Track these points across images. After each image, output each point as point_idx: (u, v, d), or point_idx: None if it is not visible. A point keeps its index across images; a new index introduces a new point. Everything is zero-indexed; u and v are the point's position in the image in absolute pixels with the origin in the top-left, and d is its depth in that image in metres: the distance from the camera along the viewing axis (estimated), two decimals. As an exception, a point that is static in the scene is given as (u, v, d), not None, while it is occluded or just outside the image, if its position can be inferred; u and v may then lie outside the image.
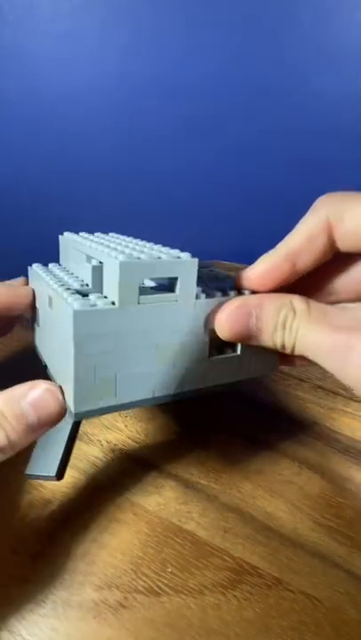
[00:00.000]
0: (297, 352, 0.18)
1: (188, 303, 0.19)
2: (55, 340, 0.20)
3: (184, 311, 0.19)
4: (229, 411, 0.30)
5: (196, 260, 0.19)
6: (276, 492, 0.24)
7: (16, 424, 0.16)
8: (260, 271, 0.20)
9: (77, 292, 0.19)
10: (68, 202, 0.96)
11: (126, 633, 0.17)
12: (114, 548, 0.20)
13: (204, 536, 0.21)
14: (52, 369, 0.22)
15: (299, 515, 0.23)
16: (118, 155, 0.88)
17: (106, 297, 0.18)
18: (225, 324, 0.19)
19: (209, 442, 0.27)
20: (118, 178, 0.92)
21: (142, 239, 0.24)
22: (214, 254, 0.71)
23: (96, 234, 0.25)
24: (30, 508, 0.22)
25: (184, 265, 0.19)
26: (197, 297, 0.19)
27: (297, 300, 0.19)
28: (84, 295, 0.19)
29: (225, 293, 0.20)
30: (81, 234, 0.25)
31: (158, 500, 0.23)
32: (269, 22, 0.74)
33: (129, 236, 0.25)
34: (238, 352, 0.21)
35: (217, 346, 0.21)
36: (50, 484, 0.23)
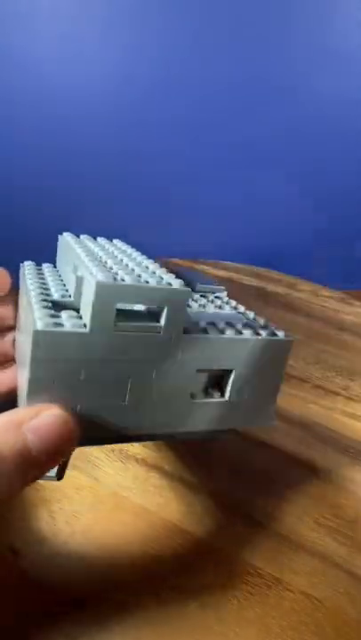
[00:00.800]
0: None
1: (173, 336, 0.17)
2: (22, 354, 0.18)
3: (167, 345, 0.17)
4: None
5: (187, 290, 0.17)
6: (277, 492, 0.24)
7: (11, 456, 0.12)
8: None
9: (54, 304, 0.17)
10: (70, 202, 0.96)
11: (126, 633, 0.17)
12: (114, 548, 0.20)
13: (205, 536, 0.21)
14: (19, 381, 0.20)
15: (299, 515, 0.23)
16: (119, 154, 0.88)
17: (81, 317, 0.16)
18: None
19: (209, 442, 0.27)
20: (119, 177, 0.92)
21: (145, 244, 0.22)
22: (215, 254, 0.71)
23: (98, 239, 0.24)
24: (31, 508, 0.22)
25: (172, 294, 0.16)
26: (186, 331, 0.17)
27: None
28: (61, 309, 0.17)
29: (221, 331, 0.18)
30: (82, 237, 0.23)
31: (159, 500, 0.23)
32: (270, 22, 0.74)
33: (133, 246, 0.23)
34: (227, 397, 0.19)
35: (204, 387, 0.19)
36: (50, 484, 0.23)
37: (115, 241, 0.24)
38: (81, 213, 0.98)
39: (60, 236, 0.23)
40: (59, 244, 0.24)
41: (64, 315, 0.16)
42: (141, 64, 0.78)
